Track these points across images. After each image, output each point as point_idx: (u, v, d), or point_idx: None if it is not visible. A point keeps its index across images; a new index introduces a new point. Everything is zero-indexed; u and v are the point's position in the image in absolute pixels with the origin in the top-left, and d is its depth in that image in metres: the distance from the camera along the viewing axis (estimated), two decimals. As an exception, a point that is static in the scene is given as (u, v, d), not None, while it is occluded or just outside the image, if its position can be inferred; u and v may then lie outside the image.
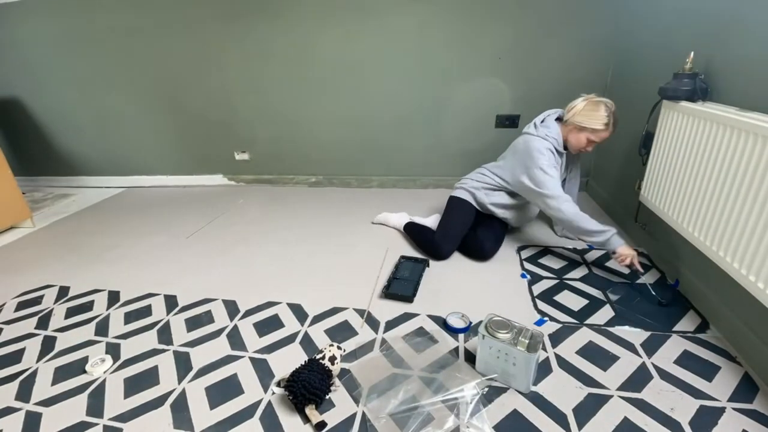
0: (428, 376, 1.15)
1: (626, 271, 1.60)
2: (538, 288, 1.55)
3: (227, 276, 1.74)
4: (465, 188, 1.85)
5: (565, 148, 1.67)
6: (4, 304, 1.64)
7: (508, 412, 1.04)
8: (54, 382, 1.22)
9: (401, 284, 1.57)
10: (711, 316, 1.32)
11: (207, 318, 1.47)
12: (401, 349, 1.26)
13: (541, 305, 1.45)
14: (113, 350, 1.34)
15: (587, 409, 1.04)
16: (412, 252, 1.85)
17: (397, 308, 1.47)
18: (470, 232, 1.79)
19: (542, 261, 1.74)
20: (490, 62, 2.29)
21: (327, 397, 1.09)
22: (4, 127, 3.05)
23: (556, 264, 1.71)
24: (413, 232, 1.91)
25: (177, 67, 2.60)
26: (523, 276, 1.63)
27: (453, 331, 1.32)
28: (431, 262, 1.74)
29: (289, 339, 1.34)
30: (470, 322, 1.35)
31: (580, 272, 1.64)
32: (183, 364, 1.26)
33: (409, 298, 1.49)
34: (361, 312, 1.46)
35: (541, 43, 2.21)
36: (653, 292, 1.44)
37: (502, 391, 1.10)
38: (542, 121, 1.66)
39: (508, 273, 1.66)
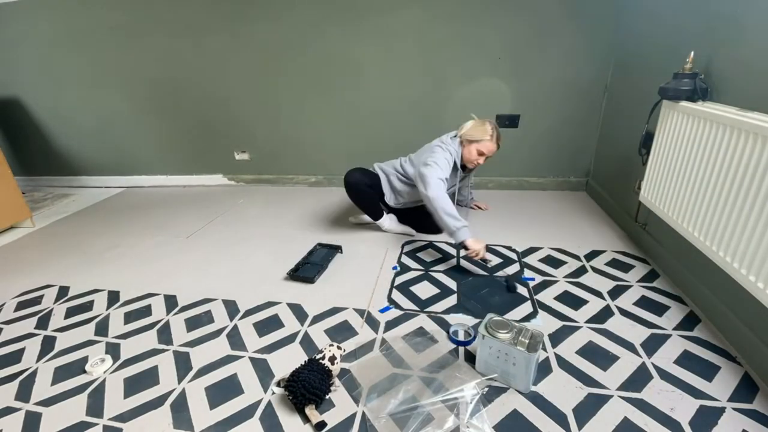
0: (428, 376, 1.15)
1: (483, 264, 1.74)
2: (401, 279, 1.66)
3: (227, 276, 1.74)
4: (382, 168, 1.99)
5: (463, 167, 1.88)
6: (4, 304, 1.64)
7: (508, 412, 1.04)
8: (54, 382, 1.22)
9: (308, 268, 1.72)
10: (711, 316, 1.32)
11: (207, 318, 1.47)
12: (401, 349, 1.26)
13: (395, 295, 1.55)
14: (113, 350, 1.34)
15: (587, 409, 1.04)
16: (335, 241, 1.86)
17: (397, 309, 1.47)
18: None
19: (420, 255, 1.84)
20: (490, 62, 2.29)
21: (327, 397, 1.09)
22: (4, 127, 3.05)
23: (429, 257, 1.81)
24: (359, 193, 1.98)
25: (177, 66, 2.60)
26: (394, 268, 1.73)
27: (456, 344, 1.29)
28: (344, 249, 1.89)
29: (289, 339, 1.34)
30: (474, 335, 1.31)
31: (446, 265, 1.75)
32: (183, 364, 1.26)
33: (311, 280, 1.64)
34: (361, 312, 1.46)
35: (542, 44, 2.21)
36: (505, 282, 1.56)
37: (502, 391, 1.09)
38: (453, 137, 1.87)
39: (388, 265, 1.77)
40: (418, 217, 2.01)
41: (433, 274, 1.69)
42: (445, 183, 1.72)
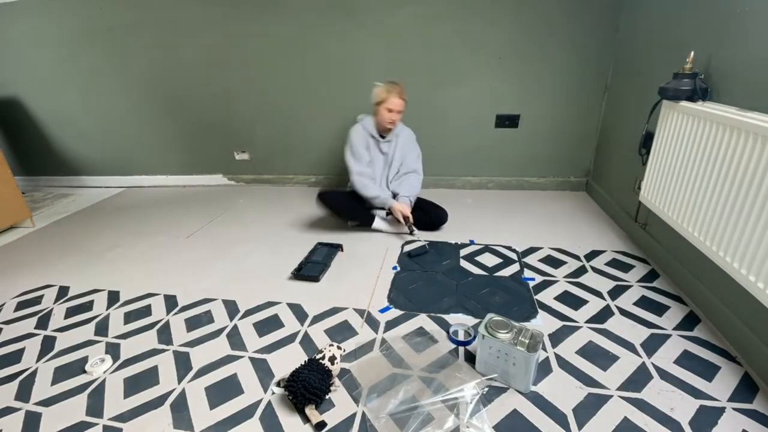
0: (428, 376, 1.15)
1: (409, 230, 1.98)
2: (403, 279, 1.67)
3: (227, 276, 1.74)
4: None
5: (383, 136, 2.02)
6: (3, 304, 1.64)
7: (508, 412, 1.04)
8: (54, 382, 1.22)
9: (312, 267, 1.73)
10: (711, 316, 1.32)
11: (207, 318, 1.47)
12: (401, 349, 1.26)
13: (394, 294, 1.56)
14: (113, 350, 1.34)
15: (587, 409, 1.04)
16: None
17: (397, 309, 1.47)
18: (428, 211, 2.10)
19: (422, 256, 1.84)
20: (490, 62, 2.29)
21: (327, 397, 1.09)
22: (4, 127, 3.05)
23: (430, 258, 1.82)
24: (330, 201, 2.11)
25: (177, 67, 2.60)
26: (393, 268, 1.74)
27: (456, 344, 1.29)
28: (345, 249, 1.92)
29: (289, 339, 1.34)
30: (474, 335, 1.31)
31: (449, 264, 1.76)
32: (183, 364, 1.26)
33: (315, 278, 1.65)
34: (361, 312, 1.46)
35: (542, 43, 2.21)
36: (423, 242, 1.89)
37: (502, 391, 1.09)
38: (364, 117, 2.05)
39: (388, 265, 1.78)
40: (423, 216, 2.04)
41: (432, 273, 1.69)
42: (361, 162, 1.99)
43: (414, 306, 1.48)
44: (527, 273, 1.65)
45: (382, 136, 2.02)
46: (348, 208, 2.06)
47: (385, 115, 1.91)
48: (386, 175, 2.08)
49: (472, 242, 1.92)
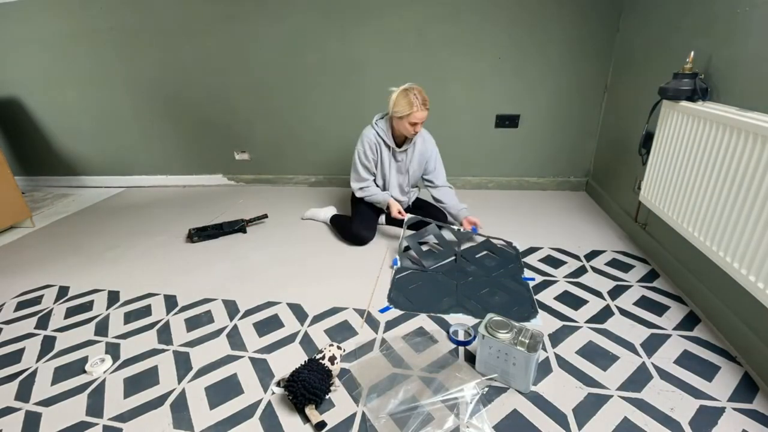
0: (428, 376, 1.15)
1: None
2: (403, 279, 1.66)
3: (227, 276, 1.74)
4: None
5: (399, 145, 1.91)
6: (3, 304, 1.64)
7: (508, 412, 1.04)
8: (54, 382, 1.22)
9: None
10: (711, 316, 1.32)
11: (207, 318, 1.47)
12: (401, 349, 1.26)
13: (394, 294, 1.55)
14: (113, 350, 1.34)
15: (587, 409, 1.04)
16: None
17: (397, 309, 1.47)
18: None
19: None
20: (490, 62, 2.29)
21: (327, 397, 1.09)
22: (4, 127, 3.05)
23: (436, 257, 1.80)
24: (337, 224, 2.11)
25: (177, 67, 2.60)
26: (394, 263, 1.76)
27: (456, 344, 1.29)
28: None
29: (289, 339, 1.34)
30: (474, 335, 1.31)
31: (450, 264, 1.74)
32: (183, 364, 1.26)
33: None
34: (361, 312, 1.46)
35: (542, 43, 2.21)
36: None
37: (502, 391, 1.10)
38: (381, 117, 1.91)
39: (388, 264, 1.78)
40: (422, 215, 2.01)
41: (432, 273, 1.69)
42: (366, 170, 1.92)
43: (414, 306, 1.48)
44: (527, 273, 1.65)
45: (398, 144, 1.90)
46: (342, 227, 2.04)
47: (408, 128, 1.76)
48: (401, 183, 2.00)
49: (474, 230, 1.89)
